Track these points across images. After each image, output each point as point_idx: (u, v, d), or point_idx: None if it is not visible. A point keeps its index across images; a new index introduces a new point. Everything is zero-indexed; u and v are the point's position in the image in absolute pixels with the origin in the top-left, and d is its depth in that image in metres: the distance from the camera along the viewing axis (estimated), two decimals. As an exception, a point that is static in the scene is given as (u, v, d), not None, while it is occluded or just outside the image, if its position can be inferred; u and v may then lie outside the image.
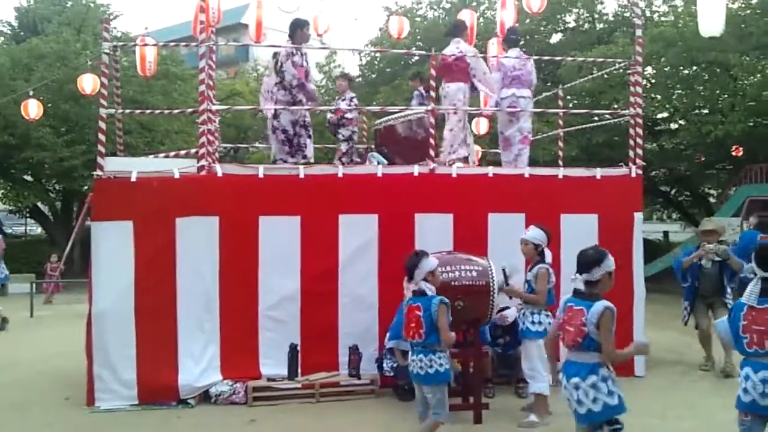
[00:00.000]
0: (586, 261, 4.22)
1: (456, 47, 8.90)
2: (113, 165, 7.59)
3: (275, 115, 8.48)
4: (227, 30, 36.30)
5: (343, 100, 9.81)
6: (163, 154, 10.86)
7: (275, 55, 8.68)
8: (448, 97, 8.89)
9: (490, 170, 8.22)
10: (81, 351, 7.44)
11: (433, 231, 7.65)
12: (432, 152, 8.25)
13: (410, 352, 5.30)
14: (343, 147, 9.50)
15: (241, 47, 33.17)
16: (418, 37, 22.79)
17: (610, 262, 4.23)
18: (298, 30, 8.56)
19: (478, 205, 7.89)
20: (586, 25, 23.03)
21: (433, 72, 8.47)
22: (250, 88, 27.54)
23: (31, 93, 14.57)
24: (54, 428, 6.29)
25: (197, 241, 7.26)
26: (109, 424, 6.43)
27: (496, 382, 7.30)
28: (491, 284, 6.42)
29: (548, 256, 6.40)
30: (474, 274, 6.40)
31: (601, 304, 4.03)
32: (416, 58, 21.88)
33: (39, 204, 24.50)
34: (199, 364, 7.09)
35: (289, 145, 8.48)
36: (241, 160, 18.09)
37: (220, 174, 7.55)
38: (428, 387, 5.16)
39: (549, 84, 19.53)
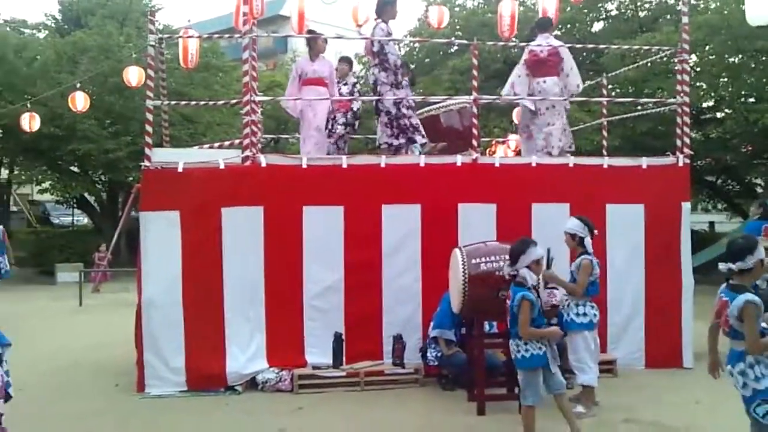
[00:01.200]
0: (739, 249, 4.17)
1: (546, 41, 8.77)
2: (159, 156, 7.73)
3: (379, 97, 8.37)
4: (266, 22, 36.38)
5: (345, 84, 9.67)
6: (207, 145, 11.01)
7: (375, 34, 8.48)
8: (543, 93, 8.64)
9: (534, 160, 8.15)
10: (129, 339, 7.62)
11: (476, 221, 7.64)
12: (475, 142, 8.23)
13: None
14: (340, 130, 9.35)
15: (280, 39, 33.30)
16: (457, 26, 22.61)
17: (761, 250, 4.17)
18: (387, 6, 8.47)
19: (522, 195, 7.85)
20: (629, 13, 22.61)
21: (474, 61, 8.41)
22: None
23: (78, 86, 14.85)
24: (105, 414, 6.45)
25: (242, 230, 7.35)
26: (159, 409, 6.57)
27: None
28: (535, 274, 6.37)
29: (589, 246, 6.33)
30: (519, 264, 6.35)
31: (742, 299, 4.00)
32: (456, 48, 21.77)
33: (86, 194, 24.99)
34: (245, 351, 7.20)
35: (391, 127, 8.40)
36: (283, 150, 18.31)
37: (264, 164, 7.62)
38: (518, 370, 5.31)
39: (591, 73, 19.29)
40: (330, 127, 9.13)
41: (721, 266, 4.16)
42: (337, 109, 9.31)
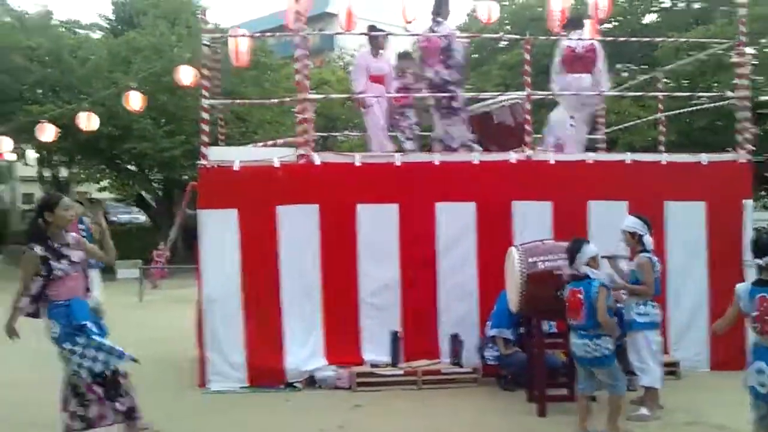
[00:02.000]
0: (765, 244, 4.12)
1: (579, 38, 8.68)
2: (215, 154, 7.87)
3: (453, 96, 8.35)
4: (313, 20, 36.58)
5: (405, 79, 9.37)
6: (261, 144, 11.14)
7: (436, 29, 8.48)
8: (577, 90, 8.55)
9: (590, 157, 8.04)
10: (188, 334, 7.78)
11: (532, 219, 7.59)
12: (528, 138, 8.16)
13: (571, 336, 5.48)
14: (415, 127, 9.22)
15: (327, 37, 33.46)
16: (506, 21, 22.42)
17: None
18: (446, 5, 8.49)
19: (578, 193, 7.76)
20: (681, 4, 22.10)
21: (527, 56, 8.33)
22: (337, 77, 27.77)
23: (134, 86, 15.17)
24: (168, 408, 6.57)
25: (298, 228, 7.44)
26: (221, 404, 6.70)
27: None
28: (594, 273, 6.29)
29: (648, 243, 6.22)
30: (577, 263, 6.27)
31: None
32: (505, 43, 21.59)
33: (143, 193, 25.57)
34: (303, 348, 7.29)
35: (468, 125, 8.41)
36: (331, 148, 18.41)
37: (318, 162, 7.68)
38: (597, 369, 5.36)
39: (645, 66, 18.90)
40: (399, 122, 9.04)
41: (749, 263, 4.13)
42: (405, 104, 9.31)
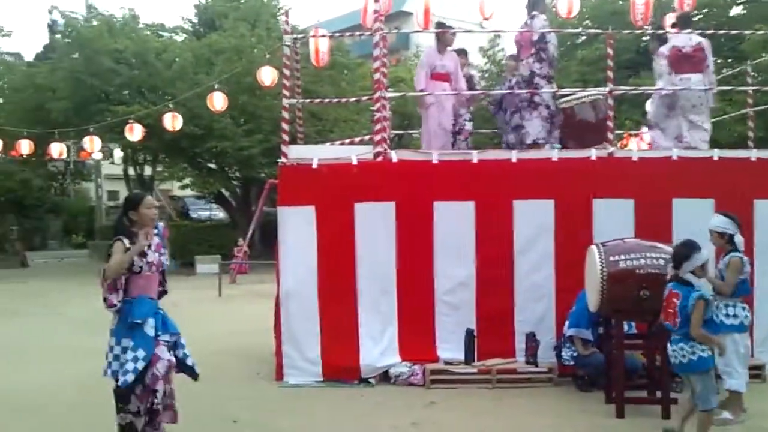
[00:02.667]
0: None
1: (689, 38, 8.41)
2: (293, 153, 8.02)
3: (535, 89, 8.29)
4: (389, 18, 36.72)
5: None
6: (338, 142, 11.27)
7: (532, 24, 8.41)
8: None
9: (674, 153, 7.79)
10: (266, 327, 7.94)
11: (613, 217, 7.40)
12: (610, 135, 7.97)
13: (669, 343, 5.27)
14: (469, 127, 9.11)
15: (402, 35, 33.54)
16: (586, 16, 21.96)
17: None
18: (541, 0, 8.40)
19: (661, 190, 7.52)
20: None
21: (609, 51, 8.14)
22: (413, 75, 27.81)
23: (216, 87, 15.59)
24: (246, 400, 6.76)
25: (375, 225, 7.49)
26: (297, 398, 6.83)
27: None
28: (680, 273, 6.08)
29: (740, 243, 5.97)
30: (661, 262, 6.07)
31: None
32: (584, 38, 21.15)
33: (222, 190, 26.23)
34: (378, 345, 7.34)
35: (550, 122, 8.32)
36: (407, 145, 18.45)
37: (395, 160, 7.71)
38: (693, 375, 5.13)
39: (731, 60, 18.18)
40: (456, 123, 9.00)
41: None
42: (461, 104, 9.23)
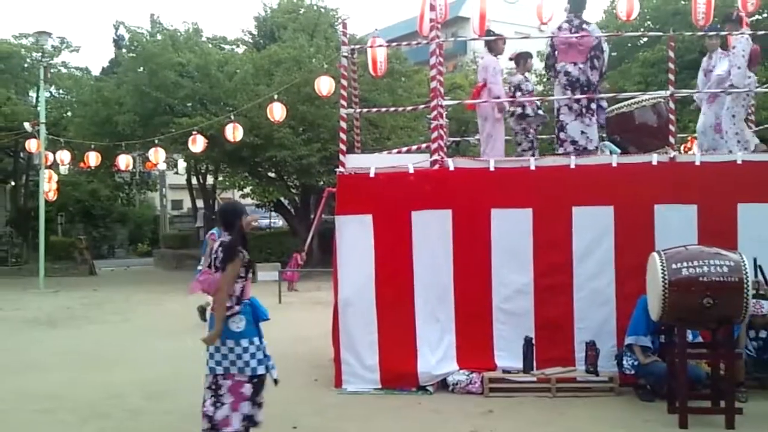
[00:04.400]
0: None
1: (742, 38, 8.25)
2: (351, 161, 8.10)
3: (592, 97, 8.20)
4: (446, 24, 36.64)
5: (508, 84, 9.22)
6: (395, 150, 11.32)
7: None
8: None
9: (739, 156, 7.58)
10: (325, 334, 8.04)
11: (675, 223, 7.24)
12: (672, 139, 7.81)
13: None
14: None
15: (459, 41, 33.46)
16: (647, 17, 21.53)
17: None
18: (584, 2, 8.34)
19: (726, 196, 7.33)
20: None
21: (671, 53, 7.98)
22: (470, 81, 27.71)
23: (275, 97, 15.87)
24: (305, 405, 6.85)
25: (432, 233, 7.51)
26: (355, 405, 6.88)
27: (749, 385, 6.76)
28: (745, 280, 5.93)
29: None
30: (725, 269, 5.92)
31: None
32: (645, 40, 20.76)
33: (281, 198, 26.63)
34: (435, 352, 7.34)
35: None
36: (464, 152, 18.40)
37: (452, 168, 7.71)
38: None
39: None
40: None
41: None
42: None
